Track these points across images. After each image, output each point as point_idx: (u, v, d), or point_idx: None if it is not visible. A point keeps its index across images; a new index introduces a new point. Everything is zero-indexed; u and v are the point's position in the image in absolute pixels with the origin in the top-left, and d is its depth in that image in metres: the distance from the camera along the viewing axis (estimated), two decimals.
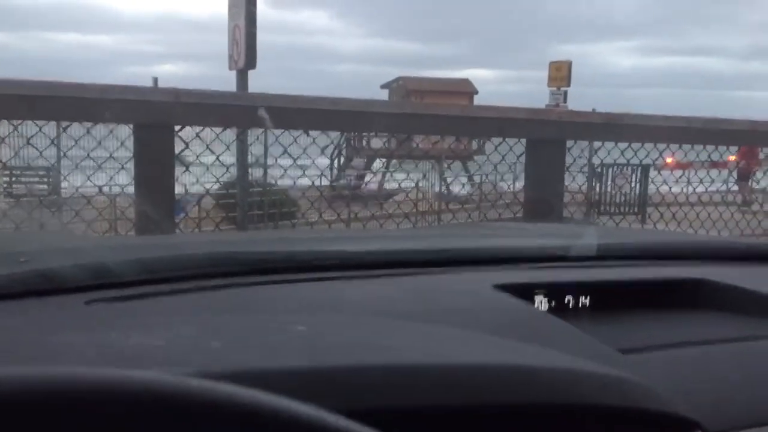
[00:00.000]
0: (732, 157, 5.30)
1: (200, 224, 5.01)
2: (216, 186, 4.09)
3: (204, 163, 3.50)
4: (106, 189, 3.55)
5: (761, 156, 5.12)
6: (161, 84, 5.58)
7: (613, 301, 1.07)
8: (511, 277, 1.06)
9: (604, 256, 1.25)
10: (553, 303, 1.04)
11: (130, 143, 3.16)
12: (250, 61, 5.88)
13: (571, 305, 1.06)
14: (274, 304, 0.90)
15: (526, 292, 1.02)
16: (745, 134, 4.35)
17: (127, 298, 0.87)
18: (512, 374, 0.69)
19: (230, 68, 6.26)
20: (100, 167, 3.22)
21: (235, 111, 3.33)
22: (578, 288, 1.07)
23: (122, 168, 3.31)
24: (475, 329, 0.83)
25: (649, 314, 1.05)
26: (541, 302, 1.04)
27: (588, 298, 1.07)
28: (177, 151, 3.21)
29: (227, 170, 3.78)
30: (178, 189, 3.47)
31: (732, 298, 1.09)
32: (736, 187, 6.04)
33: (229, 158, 3.76)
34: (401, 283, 1.02)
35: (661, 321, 1.02)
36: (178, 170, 3.30)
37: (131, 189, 3.35)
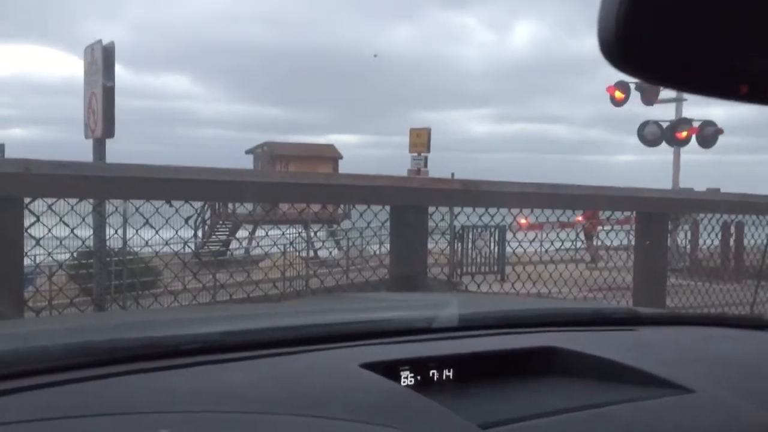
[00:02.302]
0: (579, 218, 5.74)
1: (52, 298, 4.71)
2: (70, 258, 3.88)
3: (57, 236, 3.33)
4: None
5: (602, 217, 5.56)
6: (10, 149, 5.27)
7: (474, 372, 1.12)
8: (377, 354, 1.09)
9: (465, 326, 1.30)
10: (419, 378, 1.08)
11: None
12: (108, 129, 5.66)
13: (435, 378, 1.10)
14: (133, 400, 0.86)
15: (392, 368, 1.04)
16: (588, 198, 4.72)
17: None
18: None
19: (86, 136, 6.01)
20: None
21: (93, 182, 3.21)
22: (442, 361, 1.11)
23: None
24: (342, 413, 0.85)
25: (507, 384, 1.10)
26: (407, 378, 1.07)
27: (451, 370, 1.11)
28: (26, 224, 3.04)
29: (83, 243, 3.60)
30: (28, 262, 3.27)
31: (581, 364, 1.17)
32: (583, 246, 6.54)
33: (86, 231, 3.60)
34: (266, 367, 1.01)
35: (518, 390, 1.08)
36: (29, 243, 3.12)
37: None
